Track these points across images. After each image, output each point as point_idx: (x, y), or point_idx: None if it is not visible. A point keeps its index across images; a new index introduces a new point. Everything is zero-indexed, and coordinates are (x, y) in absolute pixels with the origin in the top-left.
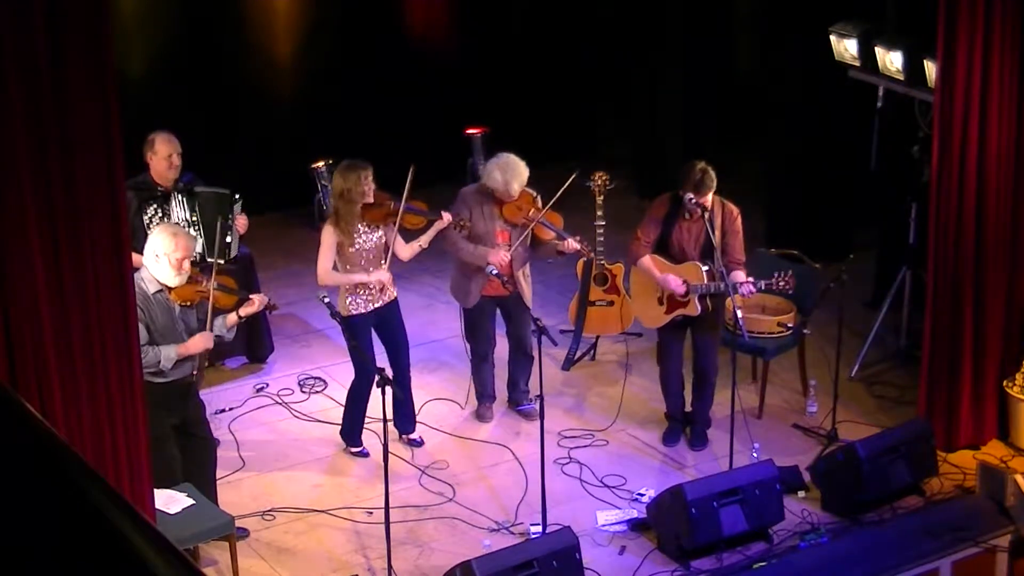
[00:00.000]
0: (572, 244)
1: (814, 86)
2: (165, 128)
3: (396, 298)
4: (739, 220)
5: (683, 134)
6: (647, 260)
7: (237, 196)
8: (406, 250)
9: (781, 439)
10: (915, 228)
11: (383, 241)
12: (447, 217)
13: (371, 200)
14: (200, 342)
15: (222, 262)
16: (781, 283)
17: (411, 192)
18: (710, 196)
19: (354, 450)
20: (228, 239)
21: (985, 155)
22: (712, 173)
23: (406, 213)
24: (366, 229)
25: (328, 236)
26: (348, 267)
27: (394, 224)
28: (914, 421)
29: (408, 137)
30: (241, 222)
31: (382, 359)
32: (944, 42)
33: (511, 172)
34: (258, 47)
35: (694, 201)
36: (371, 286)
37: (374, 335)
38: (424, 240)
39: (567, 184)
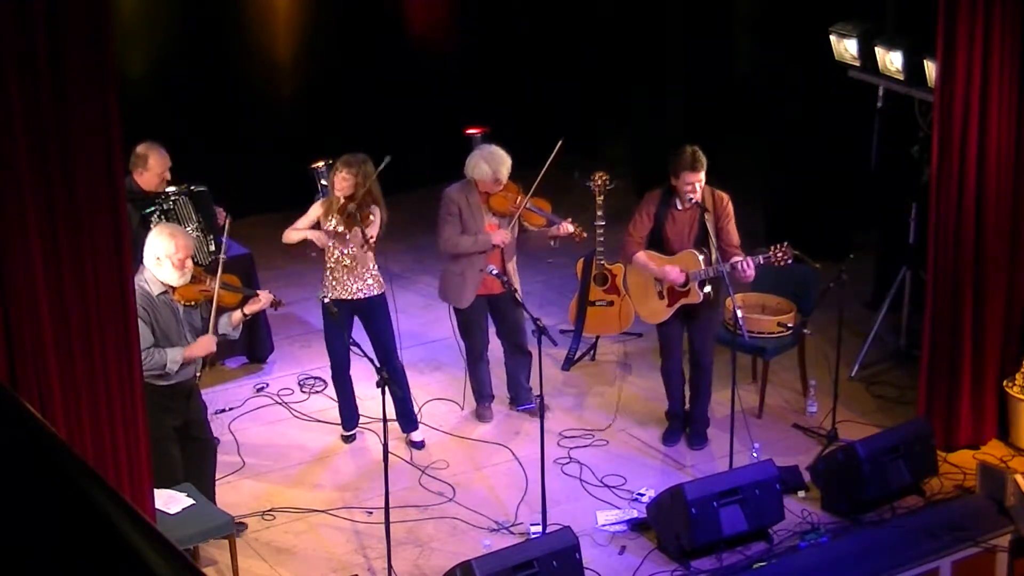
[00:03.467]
0: (566, 227)
1: (814, 86)
2: (155, 132)
3: (380, 295)
4: (730, 205)
5: (683, 134)
6: (642, 256)
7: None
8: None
9: (781, 439)
10: (915, 228)
11: (354, 235)
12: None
13: (344, 194)
14: (204, 345)
15: (223, 257)
16: (779, 254)
17: (365, 197)
18: (703, 175)
19: (344, 433)
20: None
21: (985, 155)
22: (701, 153)
23: (360, 212)
24: (338, 219)
25: (313, 208)
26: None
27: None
28: (914, 421)
29: (408, 137)
30: (221, 216)
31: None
32: (944, 42)
33: (496, 160)
34: (258, 47)
35: (693, 200)
36: (330, 264)
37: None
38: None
39: (552, 155)
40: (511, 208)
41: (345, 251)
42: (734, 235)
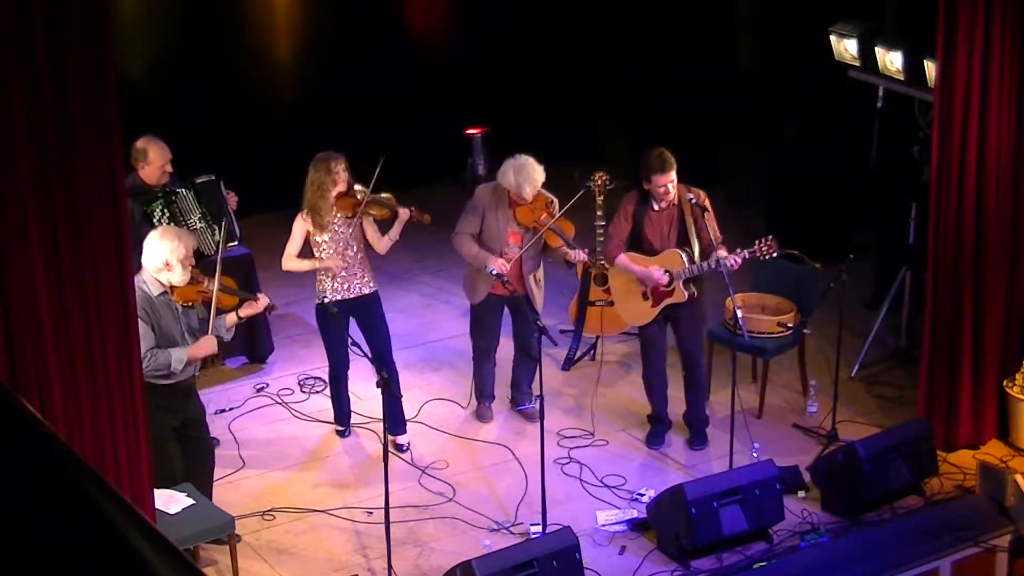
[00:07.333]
0: (580, 255)
1: (814, 86)
2: (155, 132)
3: (375, 292)
4: (707, 200)
5: (683, 134)
6: (624, 258)
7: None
8: (381, 244)
9: (781, 439)
10: (915, 228)
11: (355, 232)
12: (404, 213)
13: (343, 189)
14: (206, 346)
15: (235, 243)
16: (764, 247)
17: (378, 183)
18: (673, 175)
19: (337, 428)
20: (232, 221)
21: (985, 155)
22: (669, 154)
23: (371, 203)
24: (339, 220)
25: (297, 227)
26: (321, 256)
27: (360, 214)
28: (914, 421)
29: (408, 137)
30: (232, 200)
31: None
32: (944, 42)
33: (524, 175)
34: (258, 47)
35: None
36: (338, 275)
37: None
38: (393, 233)
39: (579, 195)
40: (533, 223)
41: (351, 249)
42: (715, 229)
